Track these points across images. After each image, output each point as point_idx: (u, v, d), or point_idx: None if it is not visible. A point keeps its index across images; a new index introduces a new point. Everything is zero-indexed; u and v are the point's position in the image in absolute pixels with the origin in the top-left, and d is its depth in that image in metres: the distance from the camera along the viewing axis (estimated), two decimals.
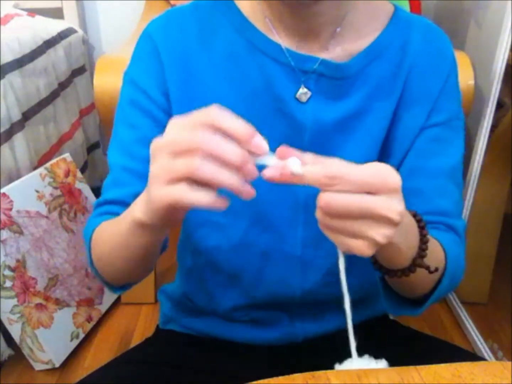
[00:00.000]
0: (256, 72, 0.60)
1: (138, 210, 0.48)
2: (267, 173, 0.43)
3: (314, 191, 0.62)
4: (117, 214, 0.59)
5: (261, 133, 0.56)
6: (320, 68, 0.59)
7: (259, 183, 0.61)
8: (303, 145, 0.61)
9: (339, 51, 0.60)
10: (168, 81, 0.61)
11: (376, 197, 0.41)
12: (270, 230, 0.63)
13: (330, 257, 0.65)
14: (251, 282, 0.66)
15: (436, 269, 0.52)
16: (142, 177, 0.58)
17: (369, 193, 0.41)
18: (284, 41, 0.60)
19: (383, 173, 0.42)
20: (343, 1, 0.59)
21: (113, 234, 0.57)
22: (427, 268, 0.51)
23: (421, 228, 0.51)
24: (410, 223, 0.50)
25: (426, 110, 0.63)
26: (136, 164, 0.62)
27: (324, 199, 0.43)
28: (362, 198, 0.41)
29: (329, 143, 0.61)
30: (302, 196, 0.62)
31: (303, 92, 0.60)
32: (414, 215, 0.51)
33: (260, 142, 0.42)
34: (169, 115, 0.62)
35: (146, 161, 0.53)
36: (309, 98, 0.60)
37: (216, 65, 0.61)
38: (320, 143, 0.60)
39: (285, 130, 0.60)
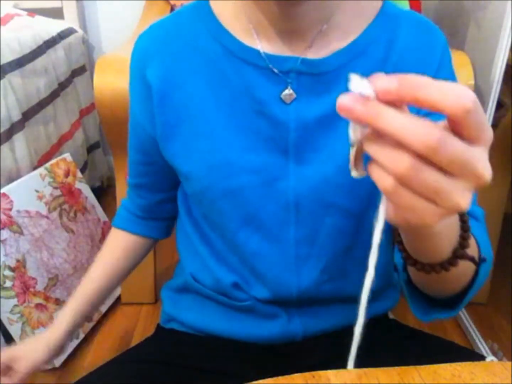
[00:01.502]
0: (235, 77, 0.60)
1: None
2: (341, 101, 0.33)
3: (303, 190, 0.63)
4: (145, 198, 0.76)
5: (245, 135, 0.56)
6: (299, 67, 0.59)
7: (247, 184, 0.62)
8: (288, 145, 0.61)
9: (323, 51, 0.60)
10: (153, 99, 0.63)
11: (478, 148, 0.32)
12: (262, 231, 0.63)
13: (324, 255, 0.65)
14: (247, 280, 0.67)
15: (484, 259, 0.46)
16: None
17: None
18: (266, 44, 0.60)
19: (483, 119, 0.32)
20: (329, 0, 0.58)
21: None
22: (472, 259, 0.46)
23: (461, 215, 0.46)
24: None
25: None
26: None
27: (438, 139, 0.30)
28: (469, 148, 0.31)
29: (314, 141, 0.60)
30: (292, 196, 0.62)
31: (288, 93, 0.59)
32: None
33: None
34: (153, 129, 0.65)
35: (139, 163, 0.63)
36: (293, 99, 0.59)
37: (196, 72, 0.61)
38: (305, 142, 0.60)
39: (268, 132, 0.60)
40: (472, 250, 0.48)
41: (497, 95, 1.20)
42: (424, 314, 0.56)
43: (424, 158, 0.31)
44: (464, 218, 0.47)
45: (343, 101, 0.33)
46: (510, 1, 1.12)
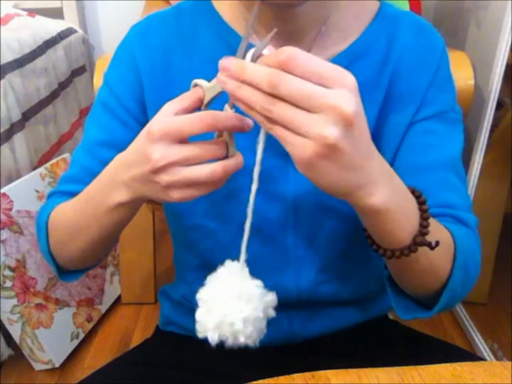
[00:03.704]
0: None
1: (115, 195, 0.51)
2: (223, 62, 0.43)
3: (302, 193, 0.62)
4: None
5: (245, 137, 0.56)
6: None
7: (247, 187, 0.61)
8: None
9: (322, 52, 0.60)
10: (145, 89, 0.62)
11: (331, 89, 0.38)
12: (261, 234, 0.63)
13: (322, 256, 0.65)
14: None
15: (438, 243, 0.48)
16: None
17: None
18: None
19: (342, 70, 0.39)
20: (327, 1, 0.58)
21: (78, 216, 0.58)
22: (429, 245, 0.47)
23: (421, 203, 0.48)
24: (404, 191, 0.47)
25: (415, 106, 0.62)
26: (96, 165, 0.61)
27: (275, 77, 0.38)
28: (316, 87, 0.37)
29: None
30: (291, 199, 0.62)
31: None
32: (413, 191, 0.49)
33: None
34: (141, 122, 0.63)
35: (106, 164, 0.56)
36: None
37: (197, 70, 0.60)
38: None
39: (268, 135, 0.60)
40: (436, 238, 0.48)
41: (497, 95, 1.20)
42: (404, 313, 0.57)
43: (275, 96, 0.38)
44: (423, 207, 0.48)
45: (224, 61, 0.42)
46: (510, 1, 1.12)
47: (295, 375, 0.45)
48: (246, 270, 0.49)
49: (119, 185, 0.50)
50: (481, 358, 0.61)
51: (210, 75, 0.60)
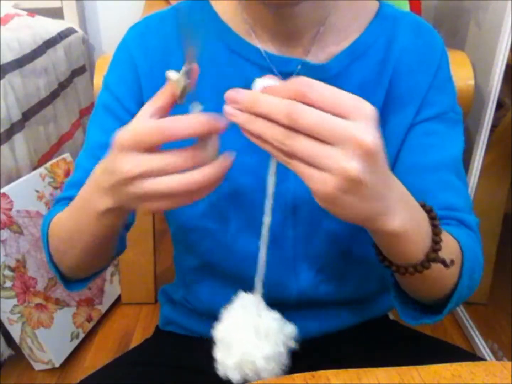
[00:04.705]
0: (236, 77, 0.59)
1: (101, 201, 0.48)
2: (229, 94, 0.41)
3: (302, 194, 0.62)
4: None
5: (242, 137, 0.56)
6: (301, 71, 0.58)
7: (248, 186, 0.61)
8: None
9: (321, 53, 0.60)
10: (144, 90, 0.62)
11: (351, 121, 0.36)
12: (260, 234, 0.63)
13: (321, 255, 0.65)
14: (245, 285, 0.66)
15: (453, 262, 0.48)
16: None
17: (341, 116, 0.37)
18: (264, 45, 0.59)
19: (359, 99, 0.37)
20: (325, 1, 0.58)
21: (72, 224, 0.57)
22: (443, 262, 0.47)
23: (432, 218, 0.48)
24: (419, 210, 0.47)
25: (415, 106, 0.61)
26: None
27: (294, 109, 0.36)
28: (336, 118, 0.36)
29: None
30: (290, 199, 0.62)
31: None
32: (423, 206, 0.49)
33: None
34: None
35: None
36: None
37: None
38: None
39: None
40: (449, 255, 0.48)
41: (497, 95, 1.20)
42: (412, 318, 0.57)
43: (292, 129, 0.36)
44: (435, 222, 0.48)
45: (232, 92, 0.40)
46: (510, 1, 1.12)
47: (295, 375, 0.45)
48: (262, 303, 0.47)
49: (103, 192, 0.47)
50: (481, 358, 0.61)
51: (209, 75, 0.60)
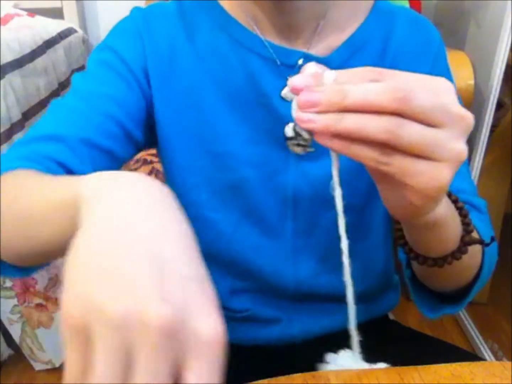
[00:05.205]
0: (239, 67, 0.60)
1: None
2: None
3: (303, 185, 0.63)
4: (50, 159, 0.47)
5: (247, 126, 0.55)
6: (303, 63, 0.59)
7: (248, 177, 0.61)
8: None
9: (322, 46, 0.61)
10: (148, 64, 0.60)
11: (443, 131, 0.33)
12: (261, 224, 0.63)
13: (321, 246, 0.65)
14: (244, 273, 0.66)
15: (493, 238, 0.47)
16: (98, 128, 0.52)
17: (429, 124, 0.33)
18: (267, 37, 0.60)
19: (461, 108, 0.34)
20: None
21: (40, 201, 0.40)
22: (481, 242, 0.46)
23: (455, 202, 0.48)
24: (446, 198, 0.46)
25: None
26: (94, 115, 0.54)
27: (402, 92, 0.32)
28: (438, 132, 0.33)
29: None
30: (290, 190, 0.62)
31: (288, 91, 0.59)
32: None
33: None
34: (143, 91, 0.60)
35: (106, 116, 0.50)
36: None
37: (200, 61, 0.61)
38: None
39: (268, 125, 0.60)
40: (476, 234, 0.49)
41: (497, 95, 1.20)
42: (431, 311, 0.57)
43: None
44: (458, 205, 0.48)
45: (302, 96, 0.35)
46: (510, 1, 1.12)
47: (295, 375, 0.45)
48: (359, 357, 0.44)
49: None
50: (481, 358, 0.61)
51: (211, 65, 0.61)
